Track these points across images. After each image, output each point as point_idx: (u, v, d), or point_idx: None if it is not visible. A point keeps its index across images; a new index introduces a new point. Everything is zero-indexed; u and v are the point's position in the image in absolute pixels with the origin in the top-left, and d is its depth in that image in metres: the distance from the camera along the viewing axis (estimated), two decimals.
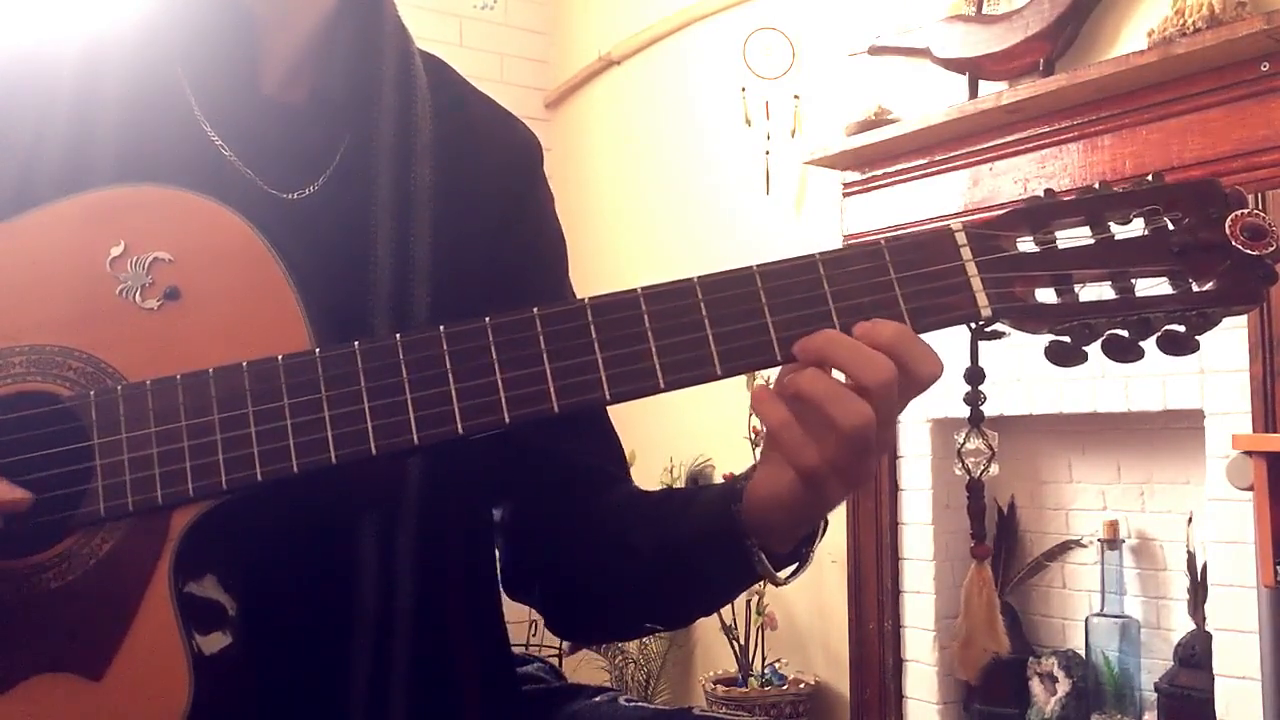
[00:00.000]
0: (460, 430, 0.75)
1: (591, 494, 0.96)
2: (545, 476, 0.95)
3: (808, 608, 3.38)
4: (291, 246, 0.79)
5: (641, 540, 0.90)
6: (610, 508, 0.95)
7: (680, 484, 3.36)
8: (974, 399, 0.80)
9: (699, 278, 0.76)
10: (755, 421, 3.05)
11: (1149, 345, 0.74)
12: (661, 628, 1.05)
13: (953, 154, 2.87)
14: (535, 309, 0.76)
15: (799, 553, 0.85)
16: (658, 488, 1.06)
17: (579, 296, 0.78)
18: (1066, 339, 0.74)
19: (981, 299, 0.74)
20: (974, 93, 2.81)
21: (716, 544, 0.83)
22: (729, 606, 3.28)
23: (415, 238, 0.91)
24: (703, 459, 3.31)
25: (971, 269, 0.75)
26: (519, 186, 1.02)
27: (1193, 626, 2.58)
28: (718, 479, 3.35)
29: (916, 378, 0.74)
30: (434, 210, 0.92)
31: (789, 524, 0.81)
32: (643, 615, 0.96)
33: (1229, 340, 2.31)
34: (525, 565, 0.99)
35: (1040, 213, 0.76)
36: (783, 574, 0.85)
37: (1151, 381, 2.50)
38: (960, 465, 0.83)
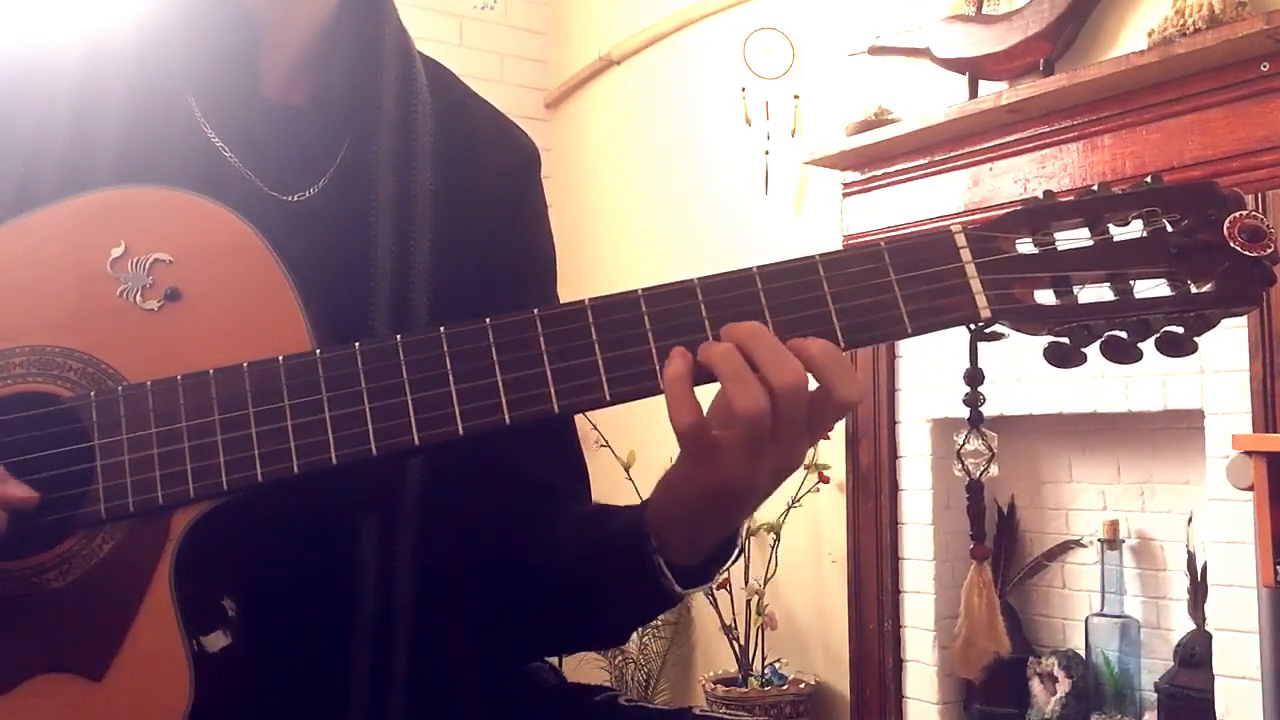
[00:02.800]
0: (461, 431, 0.75)
1: (542, 509, 0.95)
2: (499, 490, 0.94)
3: (808, 608, 3.38)
4: (292, 248, 0.79)
5: (566, 548, 0.89)
6: (554, 521, 0.93)
7: None
8: (973, 400, 0.80)
9: (699, 279, 0.76)
10: None
11: (1148, 346, 0.74)
12: (572, 643, 1.04)
13: (953, 154, 2.87)
14: (536, 310, 0.76)
15: (709, 572, 0.84)
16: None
17: (580, 297, 0.78)
18: (1065, 340, 0.74)
19: (981, 300, 0.74)
20: (974, 93, 2.81)
21: (620, 549, 0.83)
22: (729, 606, 3.29)
23: (415, 240, 0.91)
24: None
25: (971, 270, 0.75)
26: (516, 191, 1.02)
27: (1193, 626, 2.58)
28: None
29: (834, 398, 0.74)
30: (434, 213, 0.93)
31: (683, 517, 0.80)
32: (551, 625, 0.94)
33: (1229, 340, 2.31)
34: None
35: (1039, 214, 0.76)
36: (682, 589, 0.83)
37: (1151, 381, 2.50)
38: (960, 466, 0.83)
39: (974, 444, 0.82)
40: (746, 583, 3.30)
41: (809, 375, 0.74)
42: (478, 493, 0.93)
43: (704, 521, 0.81)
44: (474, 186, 0.98)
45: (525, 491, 0.95)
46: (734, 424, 0.73)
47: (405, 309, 0.89)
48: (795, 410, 0.73)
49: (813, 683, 3.26)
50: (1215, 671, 2.35)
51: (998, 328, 0.75)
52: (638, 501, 0.88)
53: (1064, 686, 2.77)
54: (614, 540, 0.85)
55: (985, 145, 2.79)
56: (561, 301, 1.01)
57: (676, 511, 0.81)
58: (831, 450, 3.17)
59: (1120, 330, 0.74)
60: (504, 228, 0.99)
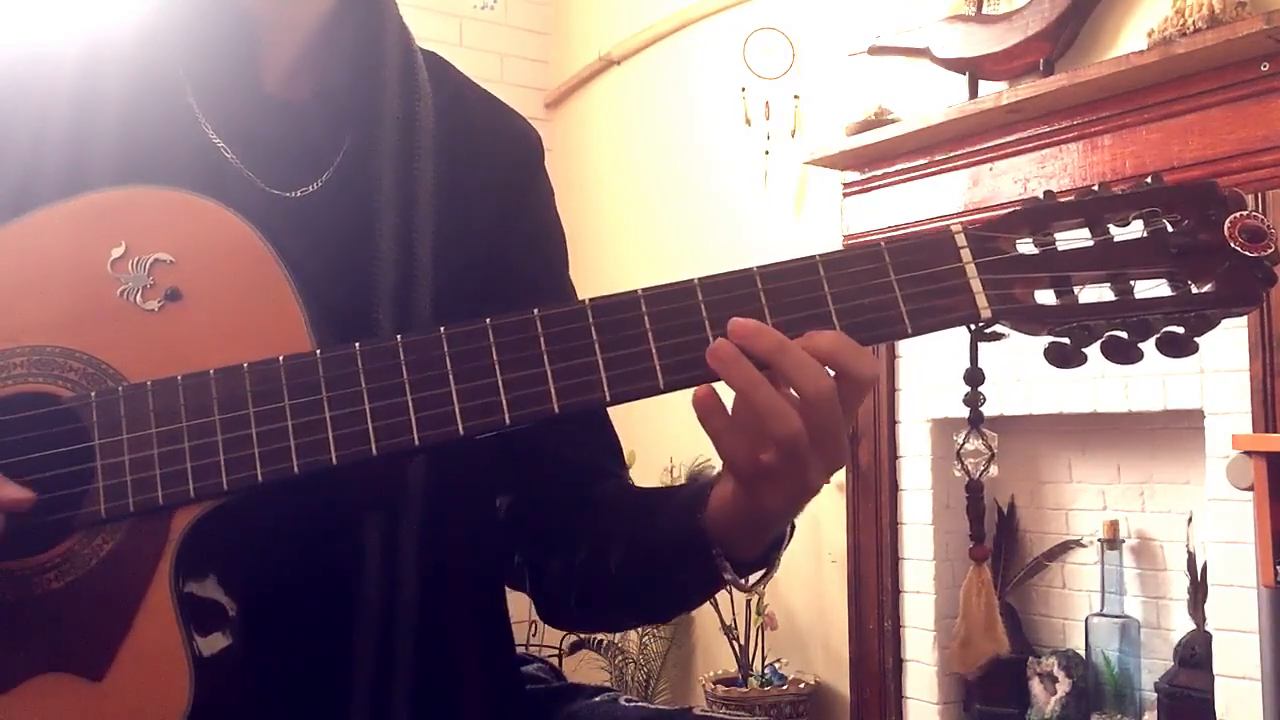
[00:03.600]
0: (461, 431, 0.75)
1: (580, 490, 0.95)
2: (536, 471, 0.95)
3: (808, 608, 3.38)
4: (293, 246, 0.79)
5: (616, 541, 0.90)
6: (595, 505, 0.94)
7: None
8: (973, 400, 0.80)
9: (699, 279, 0.76)
10: None
11: (1148, 347, 0.74)
12: (640, 623, 1.06)
13: (953, 154, 2.87)
14: (536, 310, 0.76)
15: (767, 557, 0.84)
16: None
17: (580, 297, 0.78)
18: (1066, 340, 0.74)
19: (981, 300, 0.74)
20: (974, 93, 2.81)
21: (684, 553, 0.83)
22: (729, 607, 3.29)
23: (418, 235, 0.91)
24: (703, 459, 3.31)
25: (971, 270, 0.75)
26: (520, 181, 1.02)
27: (1193, 626, 2.58)
28: None
29: (857, 381, 0.74)
30: (436, 207, 0.93)
31: (739, 531, 0.81)
32: (617, 612, 0.96)
33: (1229, 340, 2.31)
34: (518, 556, 0.99)
35: (1040, 214, 0.76)
36: (750, 580, 0.84)
37: (1151, 381, 2.50)
38: (960, 466, 0.83)
39: (974, 444, 0.82)
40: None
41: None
42: (517, 473, 0.94)
43: (767, 529, 0.82)
44: (477, 178, 0.98)
45: (565, 472, 0.96)
46: (773, 448, 0.73)
47: (408, 304, 0.89)
48: (830, 415, 0.73)
49: (813, 683, 3.26)
50: (1215, 671, 2.35)
51: (998, 328, 0.75)
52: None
53: (1064, 686, 2.77)
54: (671, 540, 0.84)
55: (985, 145, 2.79)
56: (574, 288, 1.03)
57: (738, 530, 0.81)
58: None
59: (1121, 330, 0.74)
60: (509, 218, 0.99)
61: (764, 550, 0.83)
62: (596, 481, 0.97)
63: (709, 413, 0.74)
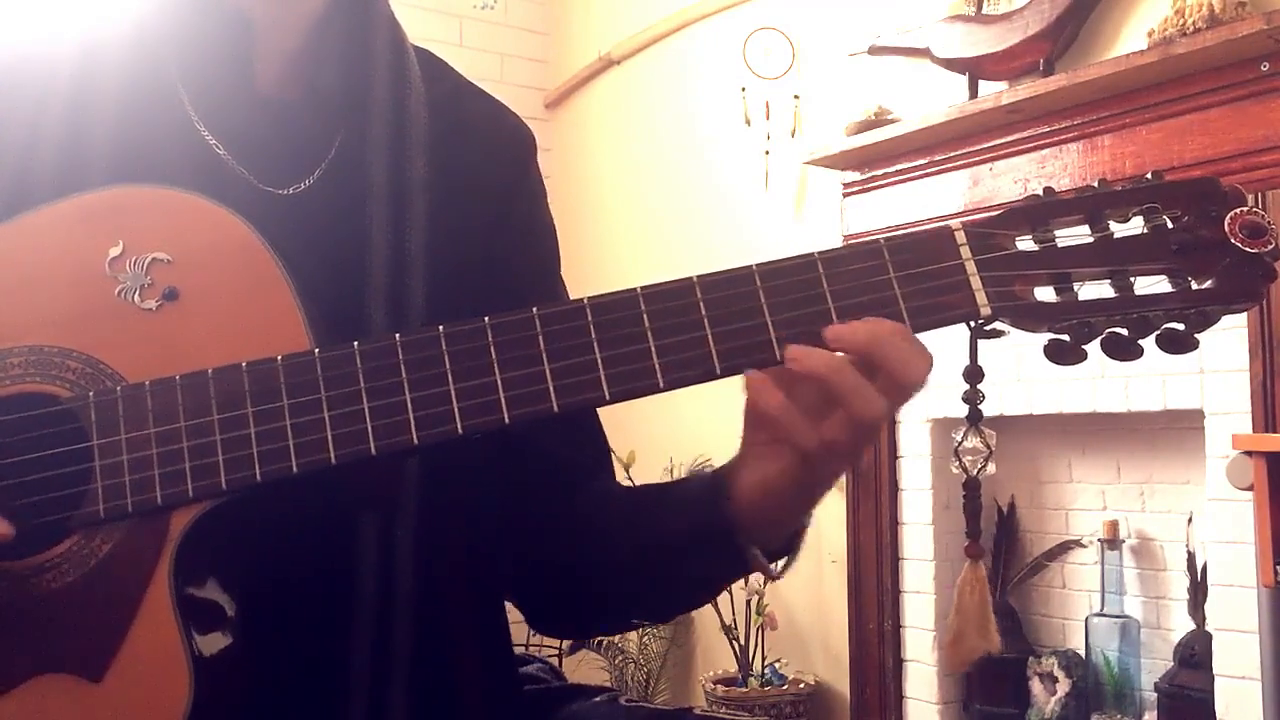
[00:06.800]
0: (460, 430, 0.75)
1: (565, 489, 0.95)
2: (519, 471, 0.94)
3: (808, 608, 3.38)
4: (287, 242, 0.79)
5: (618, 538, 0.90)
6: (586, 503, 0.94)
7: None
8: (972, 397, 0.80)
9: (698, 277, 0.76)
10: None
11: (1148, 343, 0.74)
12: (647, 621, 1.06)
13: (953, 154, 2.86)
14: (535, 309, 0.76)
15: (789, 544, 0.85)
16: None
17: (579, 296, 0.78)
18: (1066, 337, 0.74)
19: (981, 297, 0.74)
20: (974, 93, 2.81)
21: (706, 542, 0.83)
22: (729, 607, 3.29)
23: (411, 231, 0.91)
24: (703, 459, 3.30)
25: (971, 267, 0.75)
26: (512, 177, 1.02)
27: (1193, 626, 2.58)
28: None
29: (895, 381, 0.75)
30: (429, 203, 0.93)
31: (782, 512, 0.81)
32: (626, 611, 0.96)
33: (1229, 340, 2.31)
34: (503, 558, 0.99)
35: (1039, 211, 0.76)
36: (776, 566, 0.85)
37: (1151, 381, 2.50)
38: (958, 463, 0.83)
39: (972, 441, 0.82)
40: (746, 583, 3.30)
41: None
42: (499, 475, 0.93)
43: (810, 506, 0.83)
44: (470, 175, 0.98)
45: (548, 469, 0.95)
46: (852, 429, 0.75)
47: (402, 301, 0.89)
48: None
49: (813, 683, 3.26)
50: (1215, 671, 2.35)
51: (998, 325, 0.75)
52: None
53: (1064, 686, 2.77)
54: (689, 531, 0.84)
55: (985, 145, 2.79)
56: (566, 286, 1.02)
57: (776, 512, 0.82)
58: None
59: (1121, 327, 0.74)
60: (503, 216, 0.99)
61: (784, 540, 0.84)
62: (581, 481, 0.97)
63: (766, 391, 0.75)
